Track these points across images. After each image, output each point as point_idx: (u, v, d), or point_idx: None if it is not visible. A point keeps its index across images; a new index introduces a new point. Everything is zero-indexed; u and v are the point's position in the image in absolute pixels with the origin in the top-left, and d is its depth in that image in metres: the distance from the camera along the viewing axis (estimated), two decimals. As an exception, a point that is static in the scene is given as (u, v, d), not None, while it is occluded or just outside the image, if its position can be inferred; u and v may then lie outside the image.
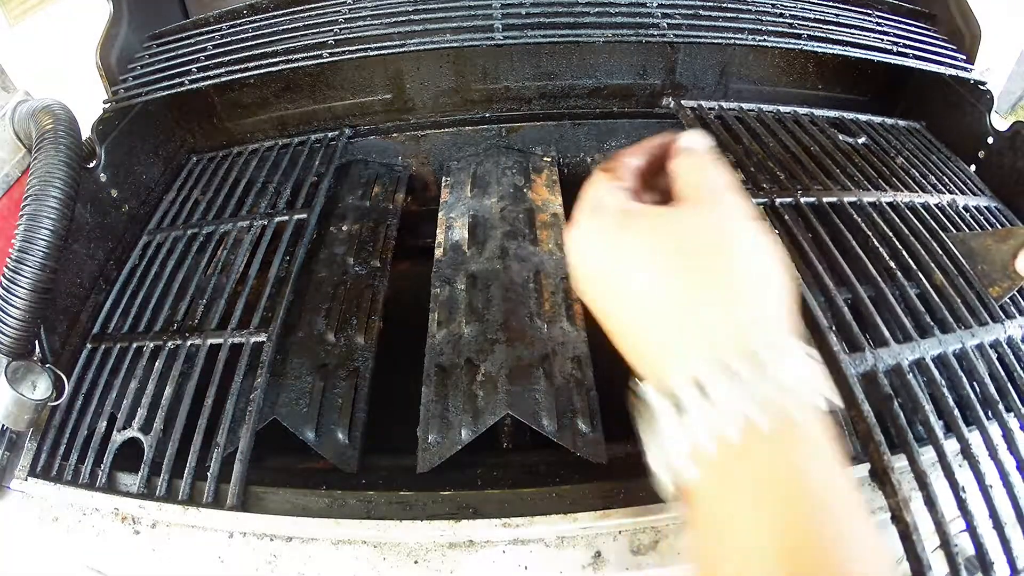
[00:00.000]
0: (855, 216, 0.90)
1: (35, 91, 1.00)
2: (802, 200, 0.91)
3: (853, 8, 1.20)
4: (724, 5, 1.12)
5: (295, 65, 1.06)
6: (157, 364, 0.89)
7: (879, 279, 0.80)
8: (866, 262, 0.82)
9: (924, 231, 0.90)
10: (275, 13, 1.20)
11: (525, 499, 0.73)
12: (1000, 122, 1.09)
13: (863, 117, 1.21)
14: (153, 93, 1.10)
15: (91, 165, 1.06)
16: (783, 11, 1.14)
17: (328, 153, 1.26)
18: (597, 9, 1.08)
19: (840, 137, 1.11)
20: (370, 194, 1.31)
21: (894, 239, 0.88)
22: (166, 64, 1.16)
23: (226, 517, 0.72)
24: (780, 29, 1.09)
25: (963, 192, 1.05)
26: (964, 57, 1.16)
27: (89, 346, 0.95)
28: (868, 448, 0.57)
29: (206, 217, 1.14)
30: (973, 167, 1.12)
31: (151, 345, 0.92)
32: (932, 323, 0.75)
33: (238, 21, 1.21)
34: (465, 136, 1.38)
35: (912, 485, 0.57)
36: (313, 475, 0.84)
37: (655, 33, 1.04)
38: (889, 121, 1.22)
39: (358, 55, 1.06)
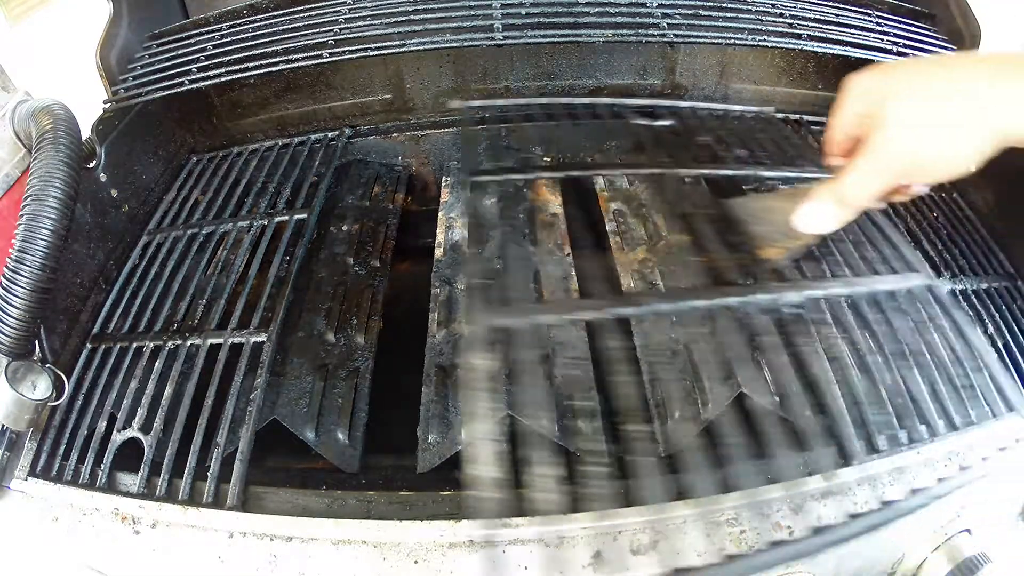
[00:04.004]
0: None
1: (35, 91, 1.00)
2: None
3: (853, 8, 1.20)
4: (724, 5, 1.12)
5: (295, 65, 1.06)
6: (157, 364, 0.89)
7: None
8: None
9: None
10: (275, 13, 1.20)
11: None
12: (1000, 122, 1.08)
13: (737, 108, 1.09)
14: (153, 93, 1.10)
15: (91, 165, 1.06)
16: (783, 11, 1.13)
17: (328, 153, 1.25)
18: (597, 9, 1.08)
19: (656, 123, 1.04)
20: (370, 194, 1.31)
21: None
22: (166, 64, 1.16)
23: (226, 517, 0.72)
24: (780, 29, 1.09)
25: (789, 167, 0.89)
26: (964, 57, 1.16)
27: (89, 346, 0.95)
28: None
29: (206, 217, 1.14)
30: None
31: (151, 345, 0.92)
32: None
33: (238, 21, 1.21)
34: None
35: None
36: (313, 475, 0.84)
37: (655, 33, 1.04)
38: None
39: (358, 55, 1.05)
